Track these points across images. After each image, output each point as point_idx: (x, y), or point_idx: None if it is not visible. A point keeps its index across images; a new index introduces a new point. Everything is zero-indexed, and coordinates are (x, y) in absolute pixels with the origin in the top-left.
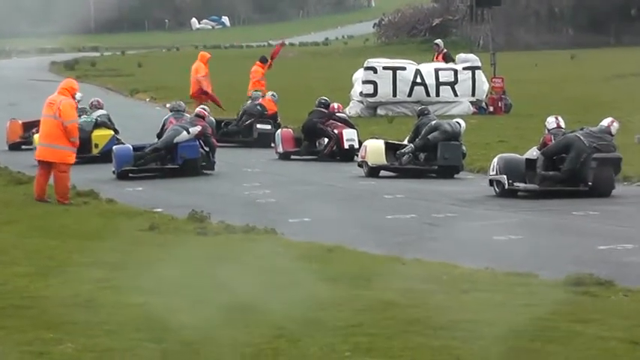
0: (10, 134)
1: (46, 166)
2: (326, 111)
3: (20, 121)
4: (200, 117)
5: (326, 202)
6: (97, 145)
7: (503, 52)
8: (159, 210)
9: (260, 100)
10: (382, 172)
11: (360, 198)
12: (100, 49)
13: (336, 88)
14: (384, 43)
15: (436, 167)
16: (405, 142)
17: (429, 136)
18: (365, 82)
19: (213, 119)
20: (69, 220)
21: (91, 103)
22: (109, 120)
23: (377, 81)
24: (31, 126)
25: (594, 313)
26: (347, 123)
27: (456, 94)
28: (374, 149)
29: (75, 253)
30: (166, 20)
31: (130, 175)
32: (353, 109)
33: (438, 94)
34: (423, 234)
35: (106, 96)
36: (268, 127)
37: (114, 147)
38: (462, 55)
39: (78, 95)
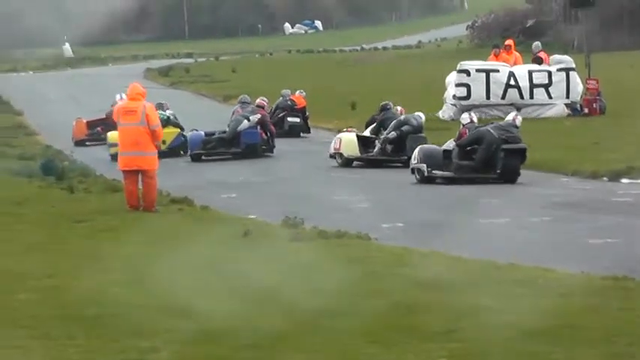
0: (77, 132)
1: (132, 174)
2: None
3: (84, 120)
4: (260, 107)
5: (419, 207)
6: (164, 142)
7: (598, 53)
8: (252, 216)
9: (290, 96)
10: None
11: (455, 203)
12: (193, 55)
13: (430, 92)
14: (478, 45)
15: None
16: (367, 133)
17: (402, 128)
18: (458, 84)
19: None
20: (165, 227)
21: (159, 104)
22: (176, 119)
23: (470, 84)
24: (94, 124)
25: None
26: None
27: (550, 96)
28: (348, 142)
29: (170, 260)
30: (259, 25)
31: (203, 157)
32: (446, 113)
33: (532, 97)
34: (517, 238)
35: (199, 102)
36: (297, 120)
37: (188, 133)
38: (556, 57)
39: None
